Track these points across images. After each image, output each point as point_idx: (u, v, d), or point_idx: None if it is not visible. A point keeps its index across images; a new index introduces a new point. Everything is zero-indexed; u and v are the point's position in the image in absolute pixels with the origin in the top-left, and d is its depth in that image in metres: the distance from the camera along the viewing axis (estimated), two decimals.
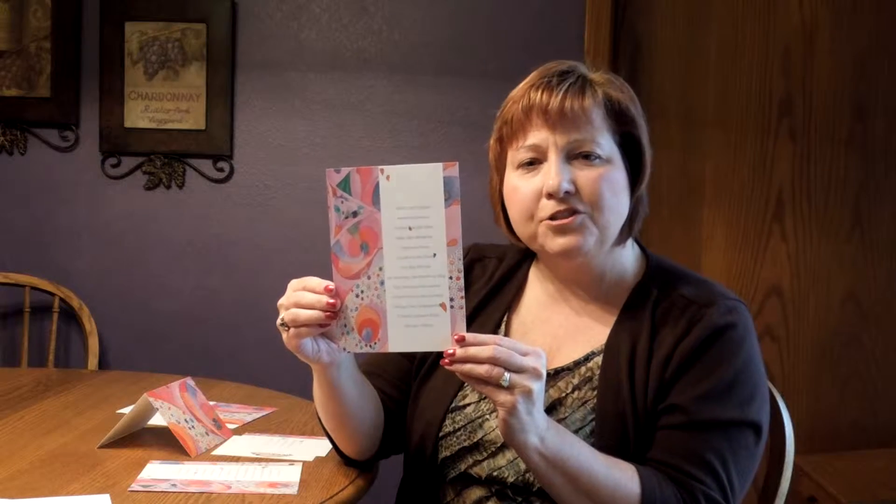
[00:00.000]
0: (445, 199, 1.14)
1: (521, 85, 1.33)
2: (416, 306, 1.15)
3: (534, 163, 1.29)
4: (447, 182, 1.14)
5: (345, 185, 1.17)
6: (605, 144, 1.29)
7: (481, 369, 1.11)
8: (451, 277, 1.14)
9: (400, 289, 1.16)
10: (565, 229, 1.27)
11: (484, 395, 1.33)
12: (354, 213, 1.17)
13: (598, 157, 1.28)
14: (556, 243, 1.28)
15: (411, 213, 1.15)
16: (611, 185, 1.28)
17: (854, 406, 2.71)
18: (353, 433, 1.37)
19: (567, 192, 1.26)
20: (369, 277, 1.17)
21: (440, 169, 1.14)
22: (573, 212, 1.27)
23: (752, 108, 2.69)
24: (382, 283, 1.17)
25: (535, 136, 1.28)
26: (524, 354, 1.12)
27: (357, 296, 1.18)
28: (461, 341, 1.13)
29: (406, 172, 1.16)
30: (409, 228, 1.15)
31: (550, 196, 1.26)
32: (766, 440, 1.31)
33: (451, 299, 1.14)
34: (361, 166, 1.17)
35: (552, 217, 1.27)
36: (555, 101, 1.27)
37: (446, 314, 1.14)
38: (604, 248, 1.31)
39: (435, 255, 1.14)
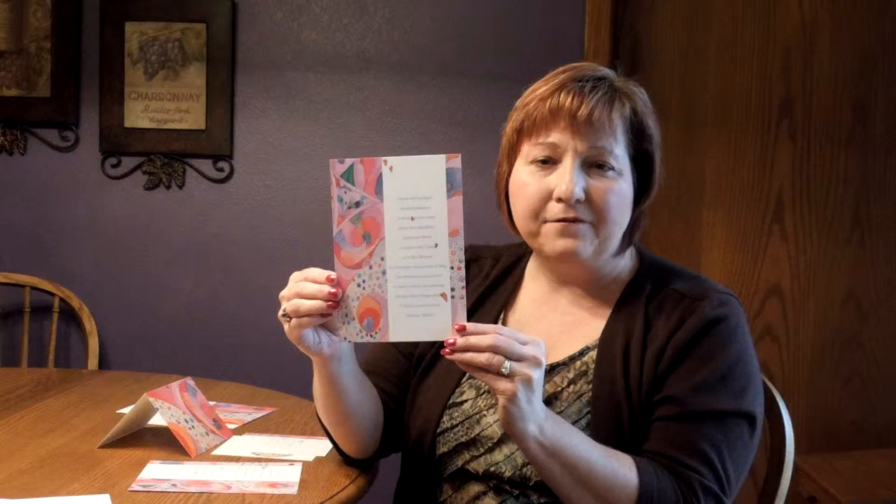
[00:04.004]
0: (448, 190, 1.15)
1: (550, 82, 1.31)
2: (418, 296, 1.16)
3: (547, 161, 1.29)
4: (449, 173, 1.15)
5: (348, 175, 1.18)
6: (621, 157, 1.30)
7: (482, 357, 1.12)
8: (452, 267, 1.15)
9: (401, 278, 1.17)
10: (567, 233, 1.28)
11: (482, 391, 1.35)
12: (357, 204, 1.18)
13: (612, 168, 1.29)
14: (556, 245, 1.29)
15: (414, 203, 1.16)
16: (619, 199, 1.29)
17: (854, 406, 2.71)
18: (354, 430, 1.37)
19: (578, 200, 1.27)
20: (371, 267, 1.18)
21: (443, 160, 1.15)
22: (579, 220, 1.28)
23: (752, 108, 2.69)
24: (384, 272, 1.17)
25: (556, 137, 1.28)
26: (524, 343, 1.14)
27: (359, 285, 1.18)
28: (462, 330, 1.14)
29: (409, 163, 1.17)
30: (412, 219, 1.16)
31: (560, 200, 1.27)
32: (766, 439, 1.32)
33: (452, 289, 1.15)
34: (365, 157, 1.18)
35: (557, 220, 1.28)
36: (584, 109, 1.27)
37: (447, 304, 1.15)
38: (601, 258, 1.33)
39: (437, 245, 1.15)
